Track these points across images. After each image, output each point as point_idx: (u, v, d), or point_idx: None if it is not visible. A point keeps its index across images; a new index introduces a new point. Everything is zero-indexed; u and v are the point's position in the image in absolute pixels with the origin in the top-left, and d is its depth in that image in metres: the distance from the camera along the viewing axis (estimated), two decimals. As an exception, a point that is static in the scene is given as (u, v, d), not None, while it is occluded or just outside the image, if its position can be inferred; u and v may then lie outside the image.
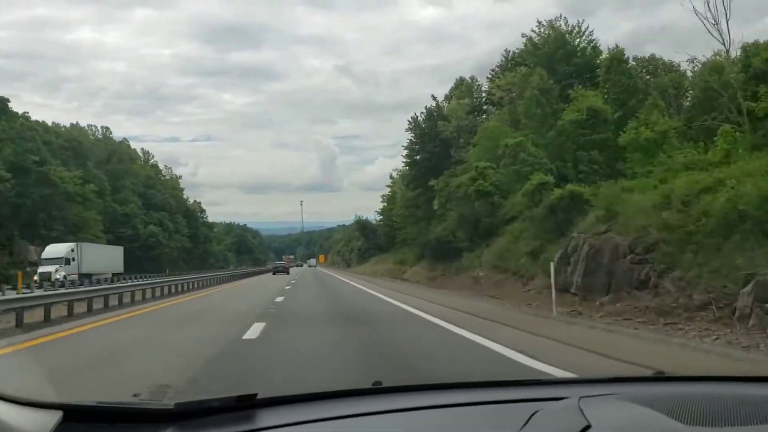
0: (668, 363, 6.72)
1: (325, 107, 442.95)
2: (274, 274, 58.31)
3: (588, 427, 1.27)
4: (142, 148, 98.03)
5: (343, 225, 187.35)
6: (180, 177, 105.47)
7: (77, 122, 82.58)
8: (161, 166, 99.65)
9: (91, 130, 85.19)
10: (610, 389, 1.79)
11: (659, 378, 2.01)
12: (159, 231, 77.89)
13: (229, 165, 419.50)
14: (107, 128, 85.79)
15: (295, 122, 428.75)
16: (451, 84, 44.59)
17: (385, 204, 73.26)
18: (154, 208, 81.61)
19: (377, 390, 1.83)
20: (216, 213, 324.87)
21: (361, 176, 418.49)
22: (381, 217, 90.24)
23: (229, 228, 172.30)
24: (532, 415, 1.44)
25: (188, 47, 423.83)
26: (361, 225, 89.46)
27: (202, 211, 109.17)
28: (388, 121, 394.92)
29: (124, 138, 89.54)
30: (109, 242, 67.76)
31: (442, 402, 1.73)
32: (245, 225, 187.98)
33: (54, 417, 1.29)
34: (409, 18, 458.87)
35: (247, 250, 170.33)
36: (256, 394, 1.56)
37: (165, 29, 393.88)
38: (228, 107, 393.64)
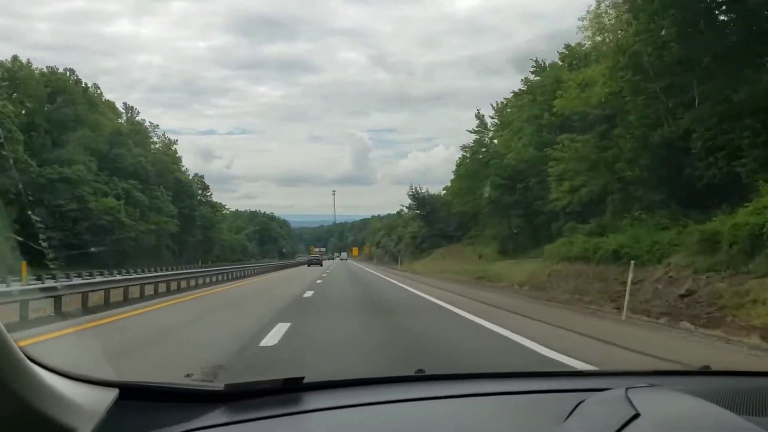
0: None
1: (360, 100, 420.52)
2: (309, 266, 62.06)
3: (637, 415, 1.20)
4: (125, 103, 72.98)
5: (378, 216, 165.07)
6: (176, 142, 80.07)
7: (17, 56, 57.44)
8: (148, 123, 74.03)
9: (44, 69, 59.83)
10: (656, 381, 1.73)
11: (706, 372, 1.94)
12: (122, 206, 52.32)
13: (264, 158, 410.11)
14: (72, 70, 60.32)
15: (329, 115, 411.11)
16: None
17: (466, 157, 46.25)
18: (121, 174, 56.27)
19: (421, 377, 1.82)
20: (250, 205, 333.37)
21: (395, 170, 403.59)
22: (440, 194, 63.80)
23: (253, 216, 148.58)
24: (578, 404, 1.38)
25: (224, 39, 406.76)
26: (420, 200, 62.61)
27: (205, 187, 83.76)
28: (422, 113, 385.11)
29: (94, 84, 64.55)
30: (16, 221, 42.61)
31: (486, 390, 1.71)
32: (272, 214, 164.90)
33: (110, 394, 1.32)
34: (445, 10, 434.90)
35: (271, 240, 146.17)
36: (303, 378, 1.57)
37: (201, 21, 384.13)
38: (263, 100, 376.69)
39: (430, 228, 61.22)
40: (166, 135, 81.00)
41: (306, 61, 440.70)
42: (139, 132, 69.30)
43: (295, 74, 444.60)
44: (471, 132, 45.22)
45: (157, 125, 79.92)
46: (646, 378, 1.80)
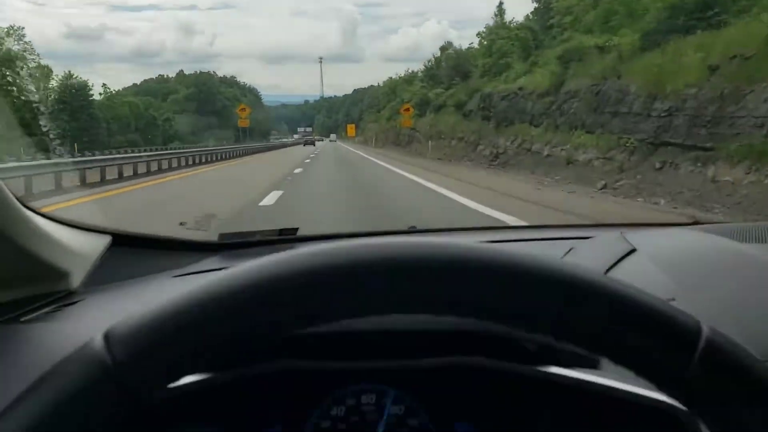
0: None
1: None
2: (304, 145, 66.19)
3: (633, 251, 1.18)
4: None
5: (379, 85, 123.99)
6: None
7: None
8: None
9: None
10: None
11: (696, 223, 1.85)
12: None
13: (247, 34, 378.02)
14: None
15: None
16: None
17: None
18: None
19: (413, 231, 1.86)
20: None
21: (384, 46, 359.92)
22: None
23: (201, 79, 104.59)
24: (573, 246, 1.36)
25: None
26: None
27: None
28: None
29: None
30: None
31: (477, 240, 1.76)
32: (233, 77, 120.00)
33: (103, 240, 1.32)
34: None
35: (218, 113, 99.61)
36: (297, 229, 1.59)
37: None
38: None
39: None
40: None
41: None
42: None
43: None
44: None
45: None
46: (639, 228, 1.77)
